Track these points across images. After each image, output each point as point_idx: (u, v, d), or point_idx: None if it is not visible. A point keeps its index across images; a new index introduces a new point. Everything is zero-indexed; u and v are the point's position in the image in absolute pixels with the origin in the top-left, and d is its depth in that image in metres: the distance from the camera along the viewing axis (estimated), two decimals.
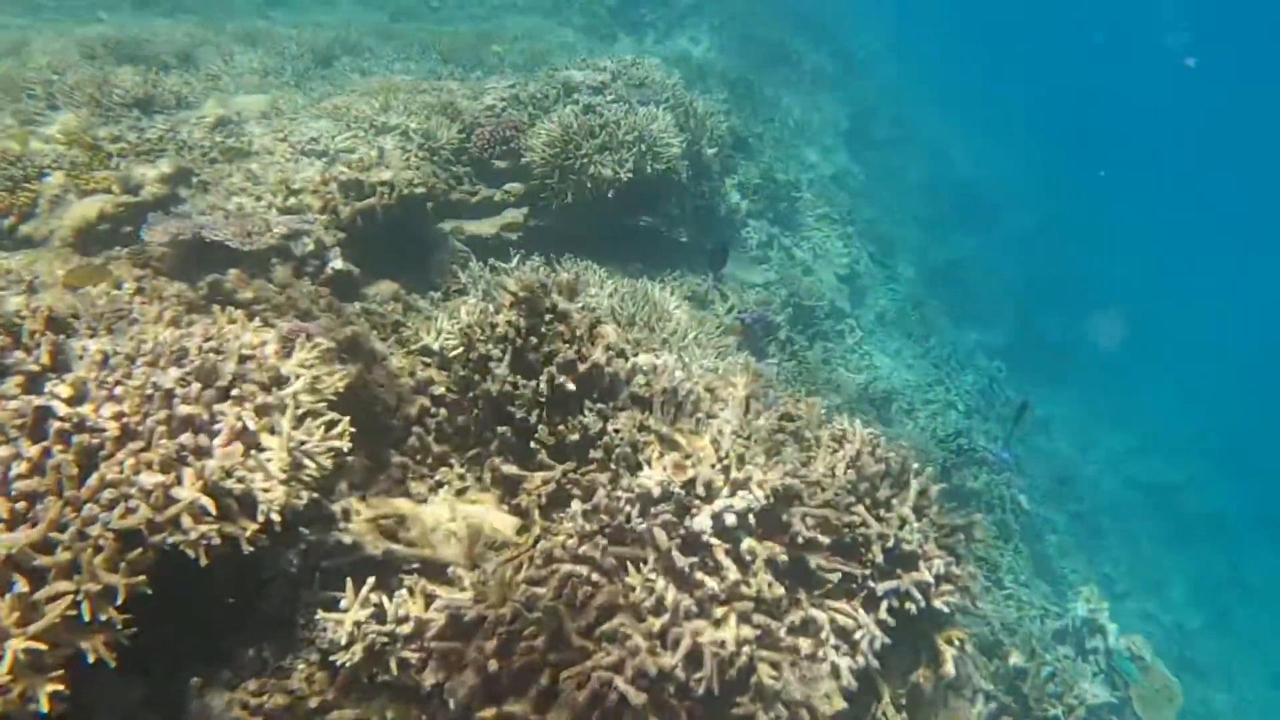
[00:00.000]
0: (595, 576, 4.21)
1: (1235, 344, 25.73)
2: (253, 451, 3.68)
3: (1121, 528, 15.81)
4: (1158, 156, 33.60)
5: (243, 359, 4.13)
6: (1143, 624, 14.34)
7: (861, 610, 4.62)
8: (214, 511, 3.45)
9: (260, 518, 3.59)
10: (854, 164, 17.26)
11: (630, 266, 8.81)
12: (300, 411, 4.09)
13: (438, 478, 4.94)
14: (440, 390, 5.11)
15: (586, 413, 4.74)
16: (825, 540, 4.52)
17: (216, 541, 3.43)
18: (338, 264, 5.69)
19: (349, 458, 4.49)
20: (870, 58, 21.16)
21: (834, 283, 12.44)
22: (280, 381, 4.12)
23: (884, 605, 4.67)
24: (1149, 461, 18.32)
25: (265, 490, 3.65)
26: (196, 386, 3.85)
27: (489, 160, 8.39)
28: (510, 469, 4.73)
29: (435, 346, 5.73)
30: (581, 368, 4.79)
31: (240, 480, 3.57)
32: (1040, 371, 19.39)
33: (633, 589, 4.15)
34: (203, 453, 3.62)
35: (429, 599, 4.20)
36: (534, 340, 4.93)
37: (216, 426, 3.77)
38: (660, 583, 4.18)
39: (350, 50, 12.17)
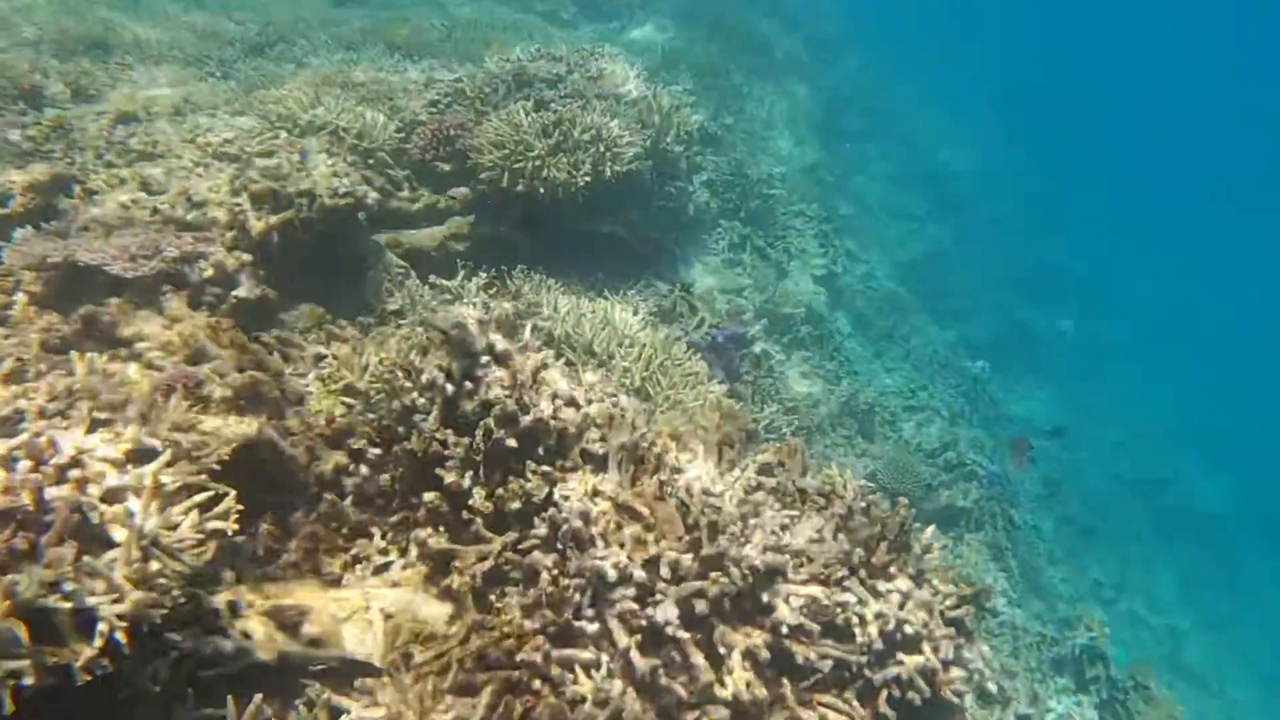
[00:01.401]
0: (538, 685, 3.46)
1: (1219, 333, 25.42)
2: (88, 557, 2.87)
3: (1109, 527, 15.30)
4: (1137, 141, 33.28)
5: (94, 425, 3.33)
6: (1133, 629, 13.86)
7: (857, 703, 3.91)
8: (26, 640, 2.66)
9: (99, 640, 2.80)
10: (828, 155, 16.54)
11: (591, 277, 8.05)
12: (171, 487, 3.29)
13: (355, 551, 4.17)
14: (360, 443, 4.32)
15: (530, 475, 3.97)
16: (814, 626, 3.79)
17: (30, 681, 2.64)
18: (242, 291, 4.87)
19: (240, 537, 3.71)
20: (843, 43, 20.43)
21: (810, 286, 11.73)
22: (142, 455, 3.31)
23: (883, 696, 3.96)
24: (1134, 457, 17.86)
25: (107, 603, 2.86)
26: (24, 467, 3.04)
27: (431, 162, 7.57)
28: (439, 543, 3.96)
29: (360, 385, 4.93)
30: (524, 421, 4.02)
31: (68, 596, 2.77)
32: (1023, 365, 18.86)
33: (582, 700, 3.40)
34: (18, 559, 2.81)
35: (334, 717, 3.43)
36: (468, 386, 4.16)
37: (48, 519, 2.96)
38: (617, 689, 3.44)
39: (287, 38, 11.23)
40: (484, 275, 7.02)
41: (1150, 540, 15.98)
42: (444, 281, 6.58)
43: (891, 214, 19.68)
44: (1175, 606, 15.03)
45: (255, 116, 7.50)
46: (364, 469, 4.27)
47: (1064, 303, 21.25)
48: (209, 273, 4.76)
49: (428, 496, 4.02)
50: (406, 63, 10.37)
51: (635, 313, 6.78)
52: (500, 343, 4.20)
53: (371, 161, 7.21)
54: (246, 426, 4.08)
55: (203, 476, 3.46)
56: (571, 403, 4.17)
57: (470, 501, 3.96)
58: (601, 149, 7.32)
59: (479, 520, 3.94)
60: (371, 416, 4.43)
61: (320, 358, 5.27)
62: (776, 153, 14.48)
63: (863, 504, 4.38)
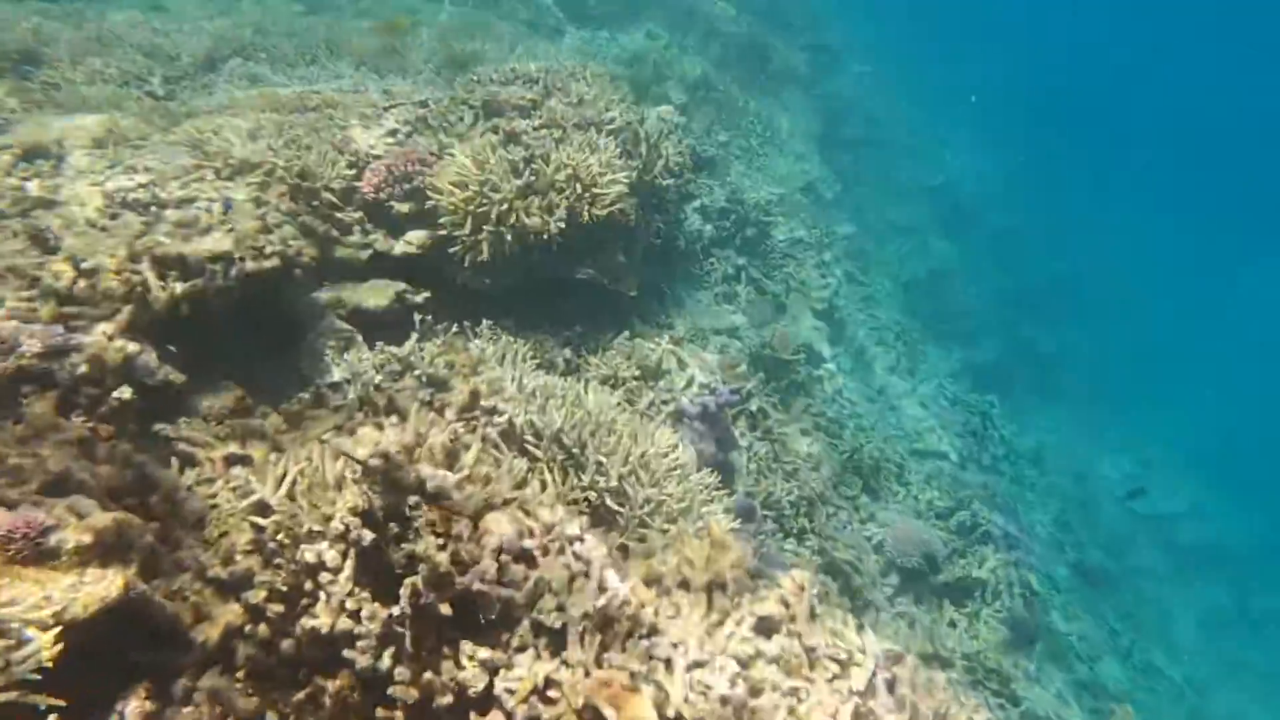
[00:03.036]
0: None
1: (1232, 353, 24.62)
2: None
3: (1123, 567, 14.50)
4: (1148, 151, 32.42)
5: None
6: (1150, 680, 13.04)
7: None
8: None
9: None
10: (827, 171, 15.70)
11: (567, 331, 7.17)
12: None
13: None
14: (259, 597, 3.44)
15: (466, 661, 3.10)
16: None
17: None
18: (125, 393, 3.97)
19: None
20: (843, 51, 19.56)
21: (810, 321, 10.87)
22: None
23: None
24: (1147, 490, 17.06)
25: None
26: None
27: (387, 203, 6.68)
28: None
29: (273, 501, 4.03)
30: (462, 581, 3.14)
31: None
32: (1029, 388, 18.06)
33: None
34: None
35: None
36: (394, 530, 3.29)
37: None
38: None
39: (244, 50, 10.31)
40: (440, 339, 6.15)
41: (1166, 580, 15.18)
42: (394, 350, 5.69)
43: (893, 229, 18.89)
44: (1193, 653, 14.22)
45: (186, 150, 6.60)
46: (262, 630, 3.39)
47: (1070, 319, 20.46)
48: (83, 369, 3.87)
49: (335, 683, 3.14)
50: (370, 80, 9.48)
51: (615, 385, 5.92)
52: (434, 477, 3.32)
53: (315, 204, 6.32)
54: (106, 586, 3.20)
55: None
56: (522, 557, 3.29)
57: (389, 691, 3.09)
58: (579, 189, 6.45)
59: (399, 715, 3.07)
60: (278, 559, 3.54)
61: (232, 460, 4.38)
62: (774, 171, 13.60)
63: (887, 675, 3.52)
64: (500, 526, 3.31)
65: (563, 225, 6.30)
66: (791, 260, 11.46)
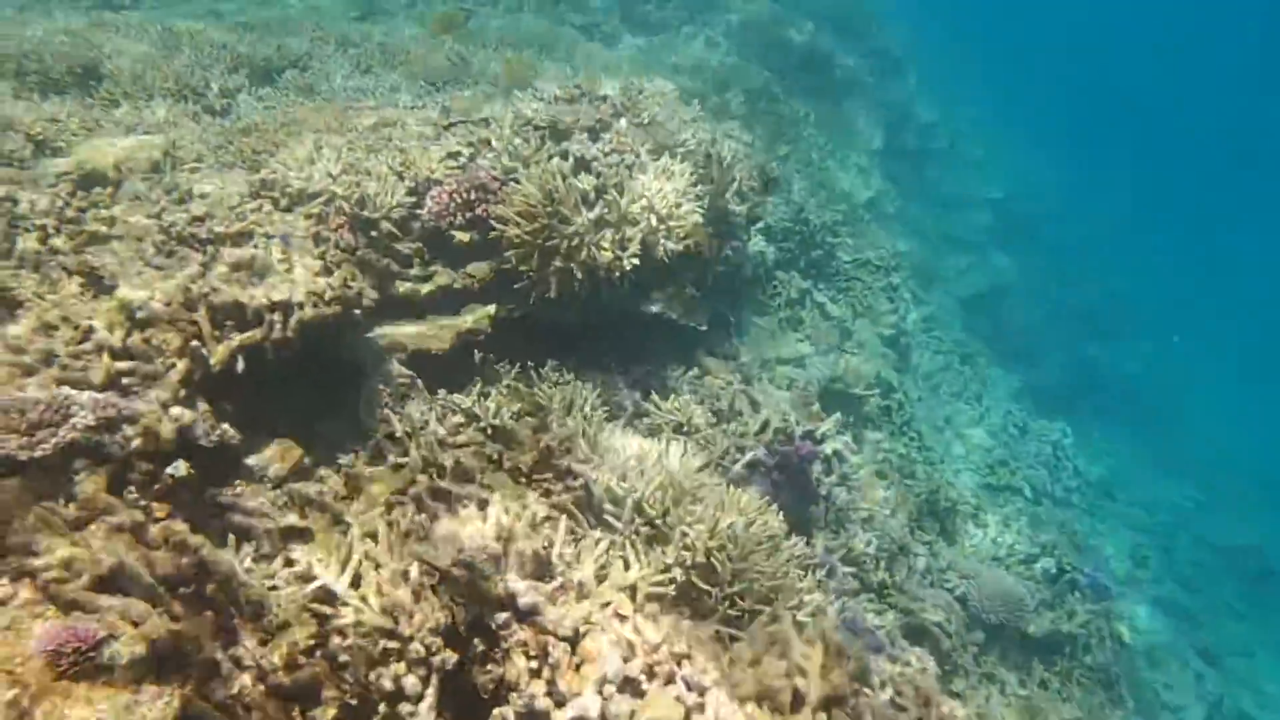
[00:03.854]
0: None
1: None
2: None
3: (1204, 606, 13.77)
4: (1214, 164, 31.31)
5: None
6: None
7: None
8: None
9: None
10: (887, 183, 15.15)
11: (636, 368, 6.77)
12: None
13: None
14: (329, 715, 3.08)
15: None
16: None
17: None
18: (180, 469, 3.63)
19: None
20: (903, 57, 18.95)
21: (879, 348, 10.37)
22: None
23: None
24: (1219, 517, 16.29)
25: None
26: None
27: (448, 231, 6.31)
28: None
29: (338, 588, 3.68)
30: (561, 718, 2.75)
31: None
32: (1093, 410, 17.35)
33: None
34: None
35: None
36: (478, 648, 2.91)
37: None
38: None
39: (299, 61, 10.02)
40: (503, 382, 5.79)
41: (1249, 617, 14.43)
42: (456, 399, 5.32)
43: (951, 244, 18.28)
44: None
45: (243, 175, 6.30)
46: None
47: (1134, 338, 19.69)
48: (137, 443, 3.53)
49: None
50: (427, 96, 9.15)
51: (689, 432, 5.50)
52: (525, 592, 2.93)
53: (374, 234, 5.97)
54: (162, 709, 2.86)
55: None
56: (628, 685, 2.89)
57: None
58: (654, 221, 6.03)
59: None
60: (348, 672, 3.17)
61: (291, 534, 4.04)
62: (836, 186, 13.09)
63: None
64: (601, 648, 2.90)
65: (636, 261, 5.89)
66: (857, 283, 10.97)
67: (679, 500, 4.65)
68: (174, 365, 4.12)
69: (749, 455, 6.21)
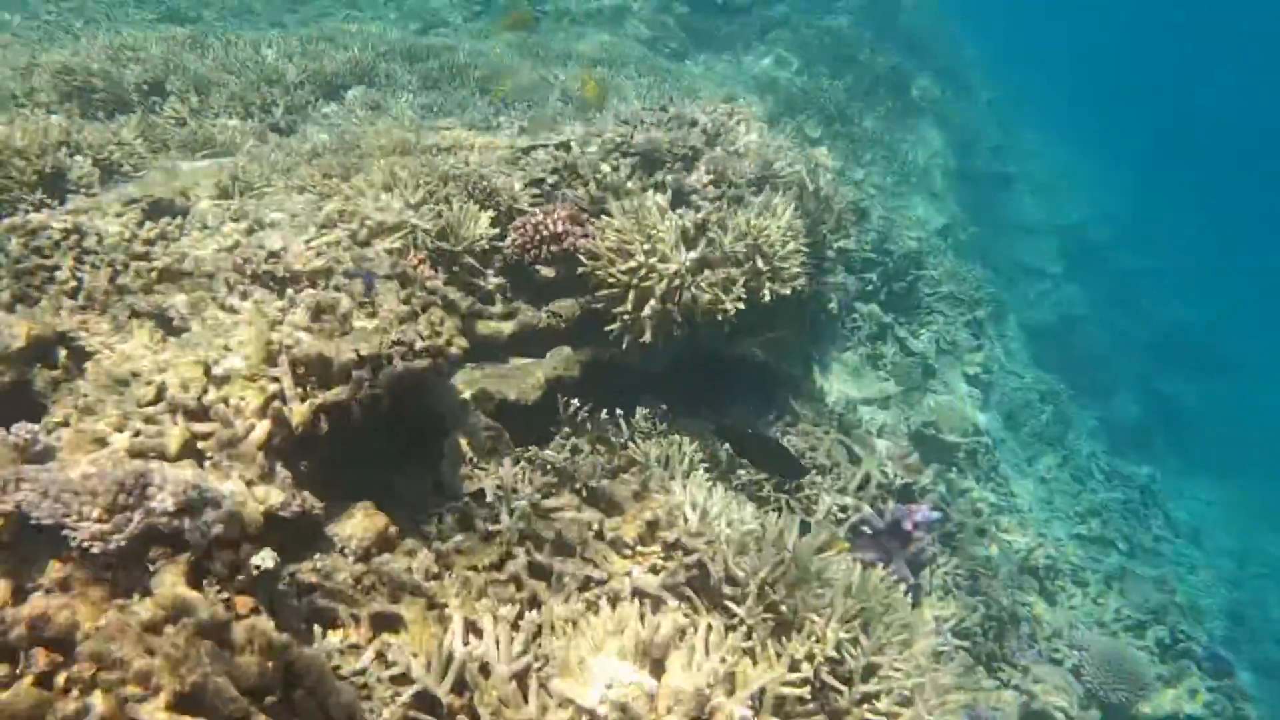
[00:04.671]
0: None
1: None
2: None
3: None
4: None
5: None
6: None
7: None
8: None
9: None
10: (960, 209, 14.55)
11: (725, 414, 6.29)
12: None
13: None
14: None
15: None
16: None
17: None
18: (267, 560, 3.19)
19: None
20: (972, 76, 18.33)
21: (963, 388, 9.80)
22: None
23: None
24: None
25: None
26: None
27: (532, 265, 5.88)
28: None
29: (439, 692, 3.23)
30: None
31: None
32: (1172, 450, 16.54)
33: None
34: None
35: None
36: None
37: None
38: None
39: (365, 76, 9.70)
40: (593, 432, 5.34)
41: None
42: (548, 455, 4.86)
43: (1022, 271, 17.62)
44: None
45: (313, 200, 5.92)
46: None
47: (1214, 373, 18.80)
48: (219, 530, 3.10)
49: None
50: (500, 115, 8.77)
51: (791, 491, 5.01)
52: None
53: (455, 269, 5.55)
54: None
55: None
56: None
57: None
58: (760, 263, 5.55)
59: None
60: None
61: (382, 621, 3.60)
62: (912, 213, 12.54)
63: None
64: None
65: (741, 306, 5.40)
66: (939, 316, 10.39)
67: (803, 581, 4.16)
68: (253, 427, 3.71)
69: (855, 517, 5.69)
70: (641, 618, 3.18)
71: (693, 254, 5.40)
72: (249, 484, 3.34)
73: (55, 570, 3.12)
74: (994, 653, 6.27)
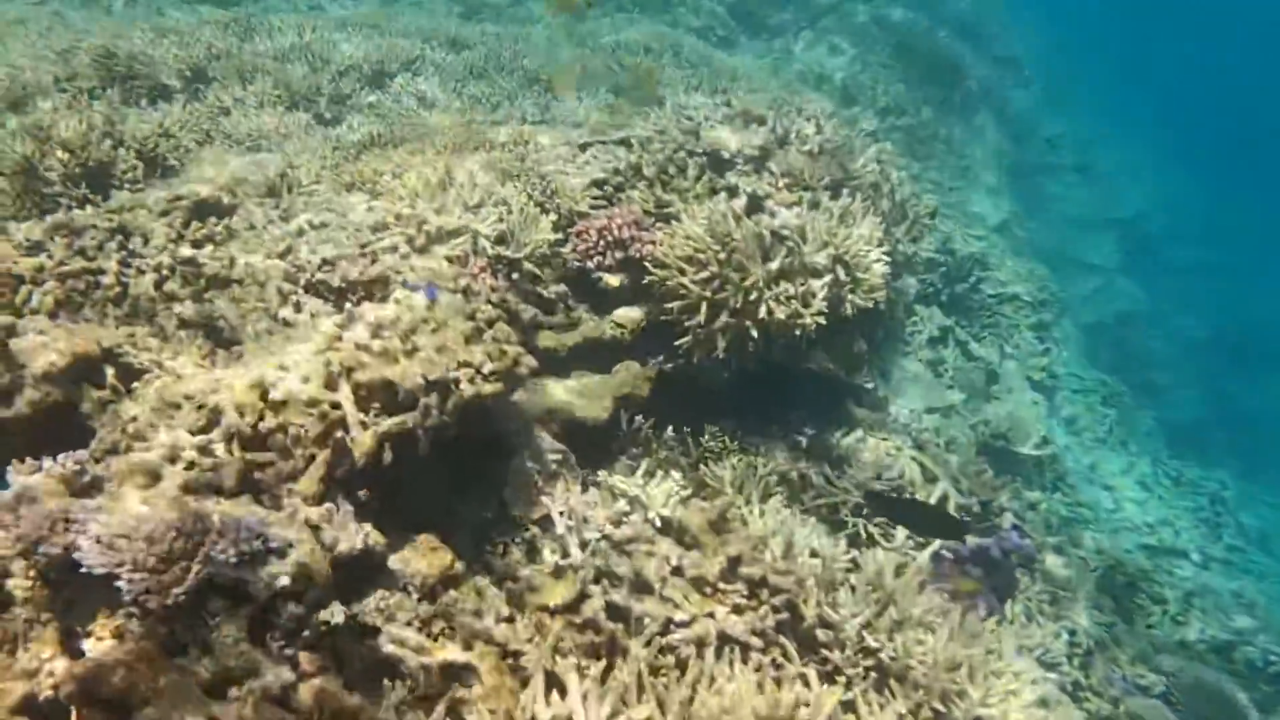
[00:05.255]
0: None
1: None
2: None
3: None
4: None
5: None
6: None
7: None
8: None
9: None
10: (1018, 204, 14.04)
11: (796, 436, 5.95)
12: None
13: None
14: None
15: None
16: None
17: None
18: (336, 615, 2.91)
19: None
20: (1027, 65, 17.72)
21: (1028, 394, 9.39)
22: None
23: None
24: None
25: None
26: None
27: (594, 274, 5.56)
28: None
29: None
30: None
31: None
32: (1232, 452, 15.94)
33: None
34: None
35: None
36: None
37: None
38: None
39: (410, 64, 9.37)
40: (661, 453, 5.03)
41: None
42: (618, 483, 4.55)
43: (1076, 266, 17.05)
44: None
45: (364, 202, 5.63)
46: None
47: (1274, 369, 18.13)
48: (284, 582, 2.82)
49: None
50: (552, 107, 8.44)
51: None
52: None
53: (515, 276, 5.24)
54: None
55: None
56: None
57: None
58: (841, 274, 5.19)
59: None
60: None
61: (453, 671, 3.31)
62: (969, 209, 12.07)
63: None
64: None
65: (822, 320, 5.05)
66: (1001, 319, 9.96)
67: (902, 625, 3.82)
68: (313, 458, 3.42)
69: (935, 544, 5.34)
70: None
71: (773, 265, 5.04)
72: (314, 528, 3.05)
73: (107, 622, 2.87)
74: (1078, 681, 5.91)
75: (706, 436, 5.37)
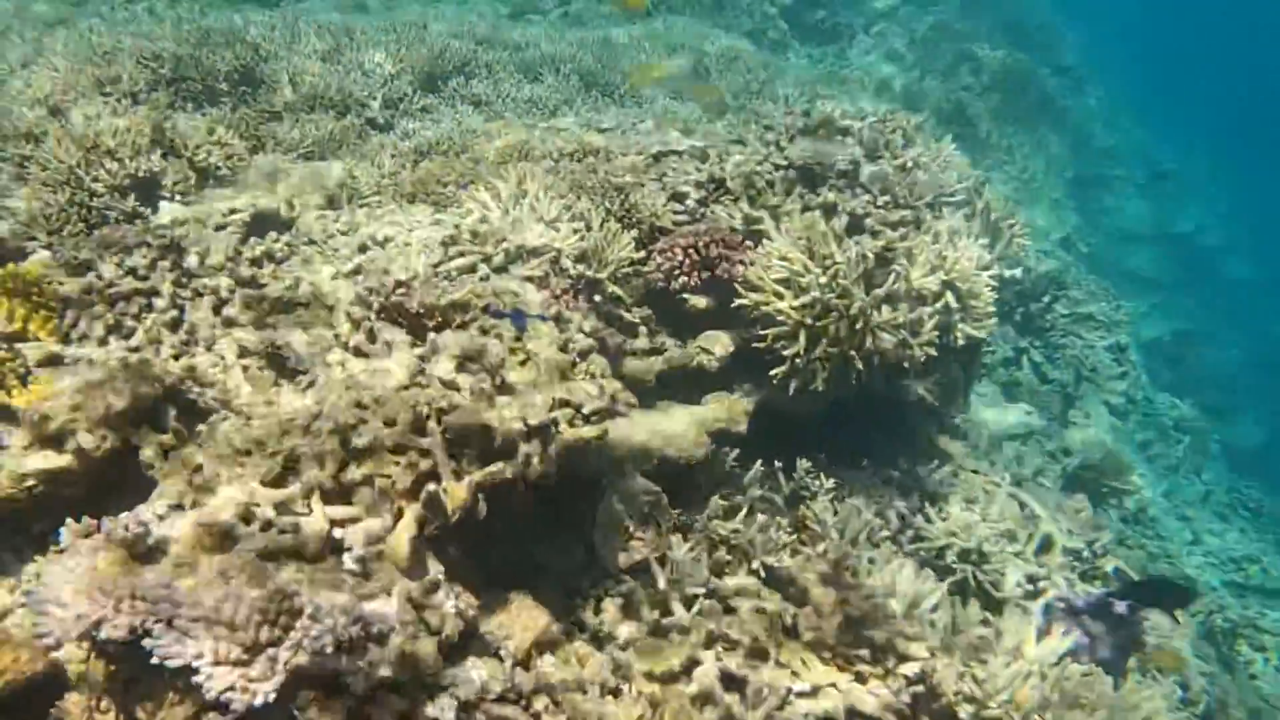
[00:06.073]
0: None
1: None
2: None
3: None
4: None
5: None
6: None
7: None
8: None
9: None
10: (1080, 218, 13.52)
11: (890, 466, 5.51)
12: None
13: None
14: None
15: None
16: None
17: None
18: (447, 714, 2.51)
19: None
20: (1083, 72, 17.19)
21: (1106, 419, 8.89)
22: None
23: None
24: None
25: None
26: None
27: (679, 295, 5.15)
28: None
29: None
30: None
31: None
32: None
33: None
34: None
35: None
36: None
37: None
38: None
39: (465, 66, 8.99)
40: (757, 490, 4.61)
41: None
42: (720, 527, 4.13)
43: (1130, 281, 16.45)
44: None
45: (430, 215, 5.25)
46: None
47: None
48: (385, 672, 2.43)
49: None
50: (609, 113, 8.05)
51: (976, 560, 4.24)
52: None
53: (597, 299, 4.83)
54: None
55: None
56: None
57: None
58: (952, 300, 4.75)
59: None
60: None
61: None
62: (1035, 223, 11.56)
63: None
64: None
65: (933, 351, 4.61)
66: (1076, 340, 9.47)
67: (1074, 706, 3.38)
68: (402, 514, 3.02)
69: (1053, 594, 4.88)
70: None
71: (880, 291, 4.61)
72: (417, 606, 2.65)
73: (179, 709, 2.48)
74: None
75: (800, 472, 4.94)
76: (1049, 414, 8.57)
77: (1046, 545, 5.51)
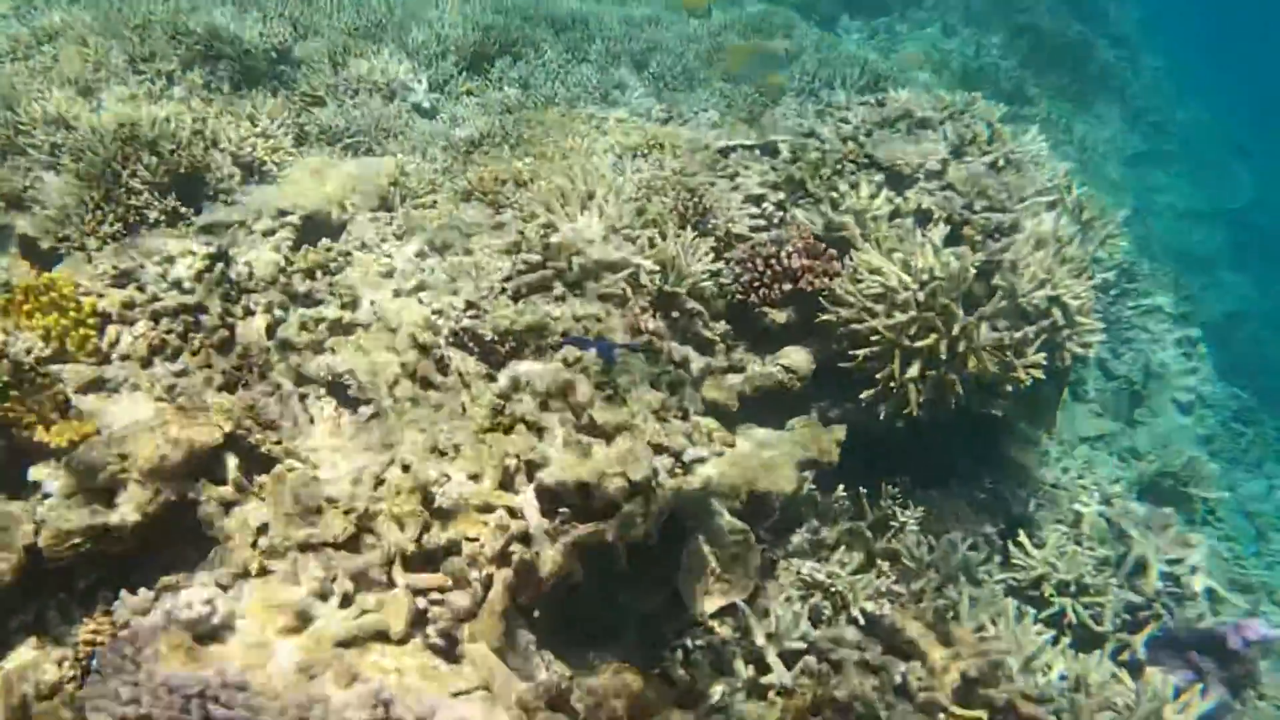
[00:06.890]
0: None
1: None
2: None
3: None
4: None
5: None
6: None
7: None
8: None
9: None
10: (1138, 199, 12.97)
11: (977, 493, 5.17)
12: None
13: None
14: None
15: None
16: None
17: None
18: None
19: None
20: (1140, 43, 16.48)
21: (1175, 418, 8.49)
22: None
23: None
24: None
25: None
26: None
27: (758, 308, 4.79)
28: None
29: None
30: None
31: None
32: None
33: None
34: None
35: None
36: None
37: None
38: None
39: (510, 46, 8.53)
40: (849, 530, 4.28)
41: None
42: (814, 576, 3.81)
43: (1181, 262, 15.83)
44: None
45: (489, 218, 4.91)
46: None
47: None
48: None
49: None
50: (673, 101, 7.64)
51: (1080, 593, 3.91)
52: None
53: (675, 315, 4.48)
54: None
55: None
56: None
57: None
58: (1060, 317, 4.37)
59: None
60: None
61: None
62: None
63: None
64: None
65: (1040, 374, 4.25)
66: (1142, 333, 9.04)
67: None
68: (491, 581, 2.72)
69: (1151, 629, 4.56)
70: None
71: (987, 308, 4.24)
72: (524, 709, 2.35)
73: None
74: None
75: (886, 498, 4.61)
76: (1116, 414, 8.18)
77: (1141, 568, 5.17)
